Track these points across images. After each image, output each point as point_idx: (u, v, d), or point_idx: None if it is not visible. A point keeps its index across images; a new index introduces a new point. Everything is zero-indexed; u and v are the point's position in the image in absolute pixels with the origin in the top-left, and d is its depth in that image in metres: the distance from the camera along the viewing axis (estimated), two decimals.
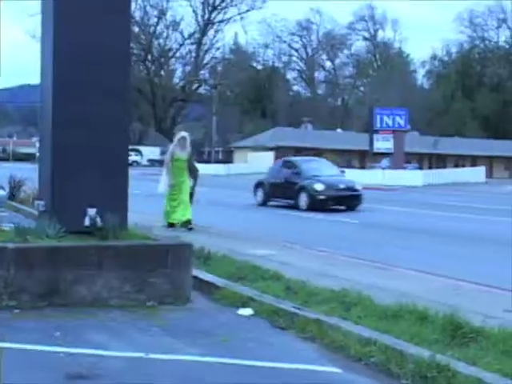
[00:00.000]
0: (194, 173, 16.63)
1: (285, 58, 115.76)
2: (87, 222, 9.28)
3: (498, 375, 5.53)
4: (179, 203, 15.91)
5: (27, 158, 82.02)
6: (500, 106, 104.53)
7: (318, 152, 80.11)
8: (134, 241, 9.12)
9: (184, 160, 16.00)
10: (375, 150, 62.97)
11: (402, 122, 62.59)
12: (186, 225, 15.84)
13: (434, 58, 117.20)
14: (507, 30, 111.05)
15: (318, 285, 9.04)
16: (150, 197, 23.68)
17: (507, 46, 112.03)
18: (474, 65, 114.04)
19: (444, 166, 78.06)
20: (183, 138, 16.21)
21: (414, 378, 5.80)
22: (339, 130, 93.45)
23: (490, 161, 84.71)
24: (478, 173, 62.50)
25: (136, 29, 17.04)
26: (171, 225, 16.00)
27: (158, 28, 19.40)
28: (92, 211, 9.28)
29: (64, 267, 8.20)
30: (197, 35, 19.89)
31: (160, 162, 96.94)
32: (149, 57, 18.46)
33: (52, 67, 9.49)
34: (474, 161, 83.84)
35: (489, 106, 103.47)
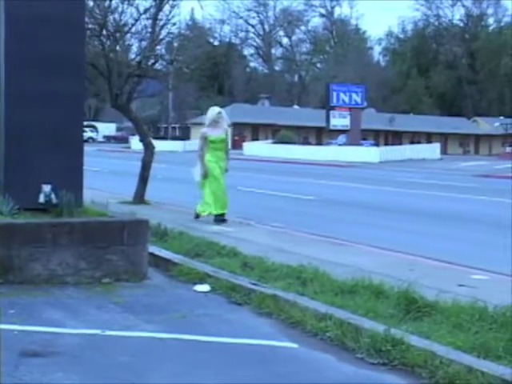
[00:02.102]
0: (227, 152, 14.06)
1: (242, 34, 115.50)
2: (42, 198, 9.18)
3: (451, 348, 5.62)
4: (216, 192, 13.57)
5: None
6: (455, 83, 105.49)
7: (275, 129, 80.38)
8: (90, 217, 9.06)
9: (221, 140, 13.69)
10: (331, 127, 63.23)
11: (358, 99, 62.89)
12: (220, 219, 13.57)
13: (390, 35, 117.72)
14: (462, 7, 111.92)
15: (274, 261, 9.07)
16: (109, 174, 23.57)
17: (462, 24, 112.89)
18: (429, 42, 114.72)
19: (400, 143, 78.68)
20: (215, 114, 13.79)
21: (369, 352, 5.86)
22: (296, 107, 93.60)
23: (444, 138, 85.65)
24: (433, 149, 63.15)
25: (90, 3, 16.91)
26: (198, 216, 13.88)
27: (113, 2, 19.28)
28: (47, 188, 9.19)
29: (18, 244, 8.12)
30: (152, 10, 19.81)
31: (115, 139, 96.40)
32: (104, 32, 18.36)
33: (4, 42, 9.31)
34: (429, 137, 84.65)
35: (443, 84, 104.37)
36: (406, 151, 60.93)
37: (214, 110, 13.86)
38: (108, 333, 6.39)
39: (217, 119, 13.63)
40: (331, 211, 17.93)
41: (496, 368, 5.21)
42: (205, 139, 13.60)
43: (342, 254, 10.49)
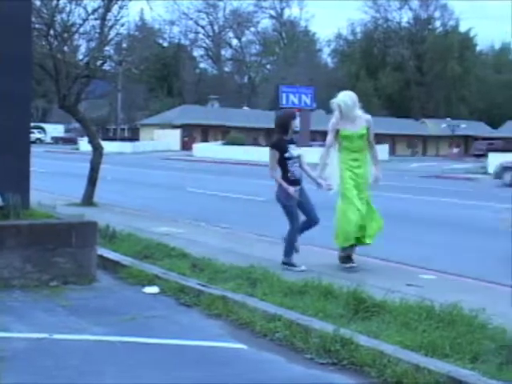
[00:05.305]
0: (373, 153, 10.17)
1: (191, 36, 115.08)
2: None
3: (399, 347, 5.68)
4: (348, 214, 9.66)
5: None
6: (403, 85, 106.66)
7: (225, 130, 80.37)
8: (37, 220, 8.93)
9: (359, 136, 9.79)
10: None
11: (308, 101, 63.12)
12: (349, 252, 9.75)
13: (339, 37, 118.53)
14: (409, 11, 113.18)
15: (224, 262, 9.07)
16: (58, 175, 23.30)
17: (409, 27, 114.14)
18: (377, 45, 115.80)
19: None
20: (348, 100, 9.76)
21: (318, 352, 5.89)
22: (246, 108, 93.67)
23: (392, 139, 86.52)
24: (381, 150, 63.33)
25: (37, 2, 16.72)
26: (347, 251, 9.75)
27: (61, 2, 19.03)
28: None
29: None
30: (101, 11, 19.64)
31: (64, 140, 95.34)
32: (51, 32, 18.13)
33: None
34: (377, 139, 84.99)
35: (392, 86, 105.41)
36: None
37: (340, 97, 9.82)
38: (56, 336, 6.32)
39: (348, 108, 9.70)
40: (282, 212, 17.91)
41: (443, 366, 5.28)
42: (336, 134, 9.85)
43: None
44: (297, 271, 9.18)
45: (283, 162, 9.53)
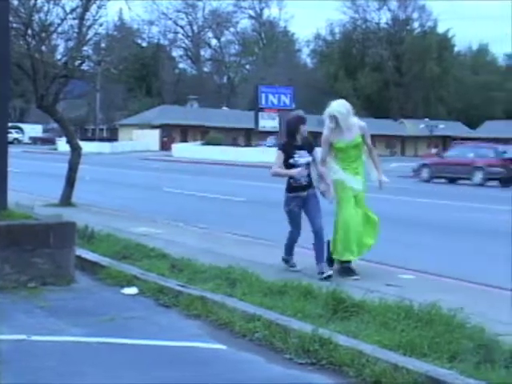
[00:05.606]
0: (373, 157, 9.92)
1: (170, 36, 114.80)
2: None
3: (378, 346, 5.69)
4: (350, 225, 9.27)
5: None
6: (381, 85, 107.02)
7: (204, 130, 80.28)
8: (14, 220, 8.88)
9: (354, 146, 9.54)
10: (260, 129, 63.43)
11: (287, 101, 63.19)
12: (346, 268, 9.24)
13: (317, 37, 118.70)
14: (388, 12, 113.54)
15: (203, 262, 9.06)
16: (36, 176, 23.17)
17: (388, 28, 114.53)
18: (356, 45, 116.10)
19: None
20: (343, 109, 9.62)
21: (297, 352, 5.90)
22: (225, 108, 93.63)
23: (371, 139, 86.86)
24: None
25: (15, 2, 16.64)
26: (345, 264, 9.27)
27: (39, 1, 18.95)
28: None
29: None
30: (79, 10, 19.58)
31: (42, 140, 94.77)
32: (29, 31, 18.04)
33: None
34: None
35: (370, 86, 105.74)
36: None
37: (331, 108, 9.71)
38: (34, 338, 6.28)
39: (342, 118, 9.47)
40: (261, 212, 17.94)
41: (421, 365, 5.30)
42: (329, 146, 9.54)
43: (271, 255, 10.50)
44: (291, 270, 9.44)
45: (287, 167, 9.32)
